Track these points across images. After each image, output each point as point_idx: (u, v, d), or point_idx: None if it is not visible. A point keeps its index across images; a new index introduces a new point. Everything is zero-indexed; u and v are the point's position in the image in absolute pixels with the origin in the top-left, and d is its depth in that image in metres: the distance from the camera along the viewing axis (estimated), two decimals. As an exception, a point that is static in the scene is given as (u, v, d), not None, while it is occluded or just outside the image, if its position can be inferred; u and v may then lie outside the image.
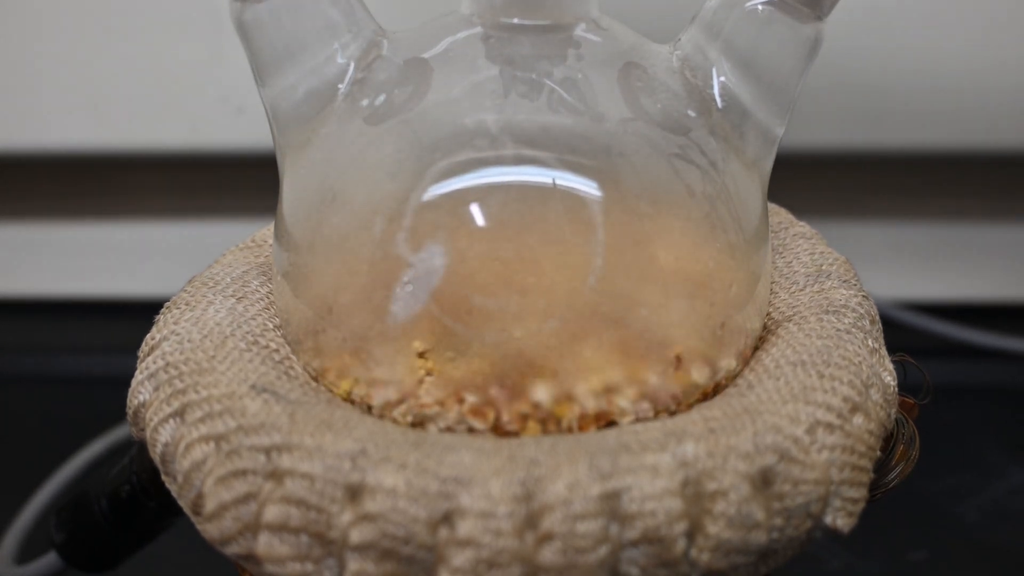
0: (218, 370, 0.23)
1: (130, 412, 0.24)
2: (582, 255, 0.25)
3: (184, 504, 0.22)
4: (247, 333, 0.24)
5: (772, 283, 0.27)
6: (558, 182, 0.26)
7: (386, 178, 0.25)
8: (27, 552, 0.36)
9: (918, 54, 0.45)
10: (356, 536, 0.19)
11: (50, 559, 0.31)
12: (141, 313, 0.28)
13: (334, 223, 0.26)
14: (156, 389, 0.23)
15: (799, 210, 0.31)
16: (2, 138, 0.48)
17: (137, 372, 0.24)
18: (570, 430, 0.22)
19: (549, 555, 0.19)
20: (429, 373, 0.23)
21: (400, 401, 0.22)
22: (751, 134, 0.26)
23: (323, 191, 0.25)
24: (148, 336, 0.25)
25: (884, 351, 0.24)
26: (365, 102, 0.25)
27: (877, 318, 0.25)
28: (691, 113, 0.25)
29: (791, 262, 0.28)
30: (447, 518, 0.19)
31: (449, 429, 0.22)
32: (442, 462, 0.20)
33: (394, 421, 0.22)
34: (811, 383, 0.22)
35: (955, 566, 0.36)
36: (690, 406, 0.23)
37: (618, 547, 0.19)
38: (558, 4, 0.25)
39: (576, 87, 0.25)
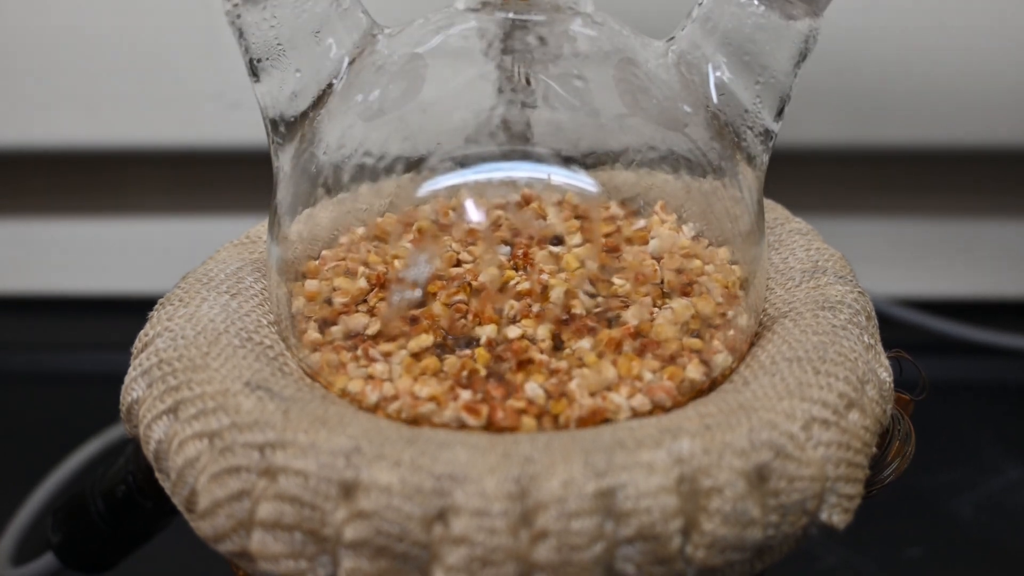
0: (212, 367, 0.23)
1: (123, 409, 0.24)
2: (577, 252, 0.25)
3: (178, 501, 0.22)
4: (241, 330, 0.24)
5: (768, 279, 0.27)
6: (553, 178, 0.26)
7: (380, 174, 0.25)
8: (24, 553, 0.35)
9: (915, 51, 0.45)
10: (350, 533, 0.19)
11: (47, 560, 0.31)
12: (135, 310, 0.27)
13: (328, 219, 0.26)
14: (149, 386, 0.23)
15: (795, 206, 0.31)
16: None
17: (130, 369, 0.24)
18: (566, 427, 0.22)
19: (544, 553, 0.19)
20: (423, 371, 0.23)
21: (394, 398, 0.22)
22: (747, 130, 0.26)
23: (317, 186, 0.25)
24: (141, 333, 0.25)
25: (880, 347, 0.24)
26: (359, 97, 0.25)
27: (873, 314, 0.25)
28: (687, 108, 0.25)
29: (787, 258, 0.28)
30: (441, 515, 0.19)
31: (444, 426, 0.22)
32: (436, 459, 0.20)
33: (388, 418, 0.22)
34: (807, 379, 0.22)
35: (951, 562, 0.36)
36: (686, 402, 0.23)
37: (613, 544, 0.19)
38: (553, -1, 0.25)
39: (571, 82, 0.25)
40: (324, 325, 0.24)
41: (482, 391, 0.22)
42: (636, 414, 0.22)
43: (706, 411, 0.21)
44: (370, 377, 0.23)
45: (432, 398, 0.22)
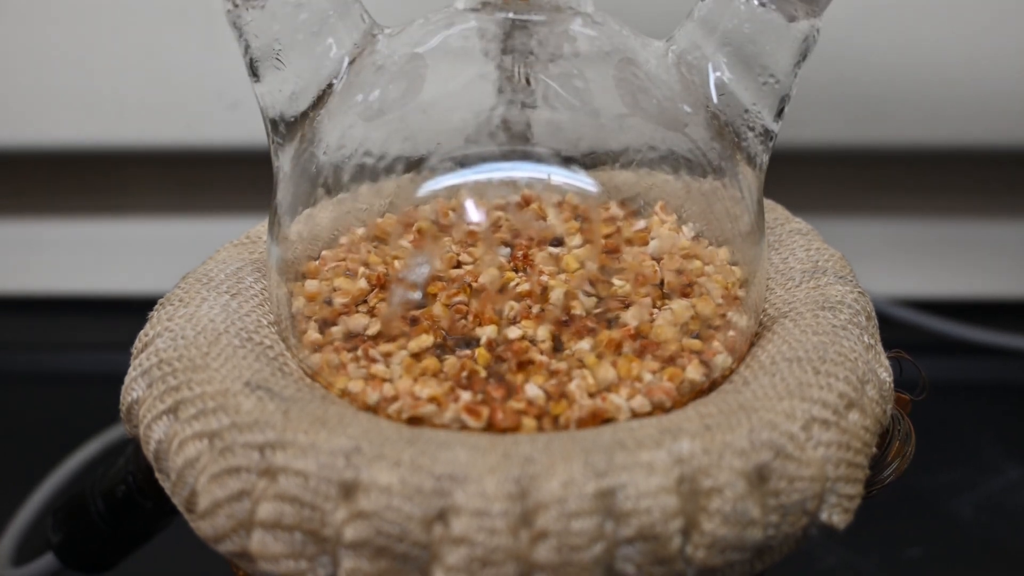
0: (212, 367, 0.23)
1: (123, 409, 0.24)
2: (577, 253, 0.25)
3: (178, 502, 0.22)
4: (241, 330, 0.24)
5: (768, 279, 0.27)
6: (553, 178, 0.26)
7: (380, 174, 0.25)
8: (24, 553, 0.35)
9: (915, 51, 0.45)
10: (350, 534, 0.19)
11: (47, 560, 0.31)
12: (135, 310, 0.27)
13: (328, 219, 0.26)
14: (149, 386, 0.23)
15: (795, 206, 0.31)
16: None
17: (130, 369, 0.24)
18: (566, 427, 0.22)
19: (544, 553, 0.19)
20: (424, 371, 0.23)
21: (395, 398, 0.22)
22: (747, 130, 0.26)
23: (317, 186, 0.25)
24: (141, 333, 0.25)
25: (880, 347, 0.24)
26: (360, 97, 0.25)
27: (873, 314, 0.25)
28: (687, 109, 0.25)
29: (787, 258, 0.27)
30: (441, 516, 0.19)
31: (444, 427, 0.22)
32: (436, 459, 0.20)
33: (388, 418, 0.22)
34: (807, 379, 0.22)
35: (951, 562, 0.36)
36: (686, 403, 0.23)
37: (613, 545, 0.19)
38: (553, -1, 0.25)
39: (571, 82, 0.25)
40: (324, 325, 0.24)
41: (482, 392, 0.22)
42: (636, 415, 0.22)
43: (706, 411, 0.21)
44: (370, 377, 0.23)
45: (432, 399, 0.22)
